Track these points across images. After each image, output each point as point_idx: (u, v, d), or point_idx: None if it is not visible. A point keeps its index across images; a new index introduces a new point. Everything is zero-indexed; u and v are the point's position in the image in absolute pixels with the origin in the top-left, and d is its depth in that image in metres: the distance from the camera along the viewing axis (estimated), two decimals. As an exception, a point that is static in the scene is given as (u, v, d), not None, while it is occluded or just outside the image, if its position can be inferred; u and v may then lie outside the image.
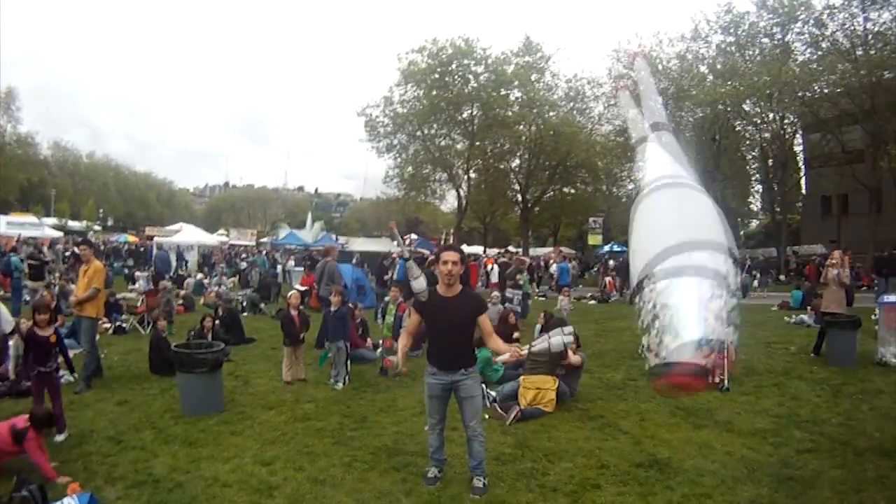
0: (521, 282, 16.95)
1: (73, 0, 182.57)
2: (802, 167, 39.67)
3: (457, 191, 40.16)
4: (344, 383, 8.83)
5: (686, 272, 5.73)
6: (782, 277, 32.18)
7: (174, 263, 27.55)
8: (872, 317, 12.19)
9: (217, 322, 12.09)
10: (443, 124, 38.24)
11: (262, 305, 17.98)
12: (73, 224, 53.21)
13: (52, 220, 46.46)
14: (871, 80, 27.47)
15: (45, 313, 6.73)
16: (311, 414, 7.38)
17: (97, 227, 58.40)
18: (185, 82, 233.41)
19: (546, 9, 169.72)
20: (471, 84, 36.25)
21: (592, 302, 21.16)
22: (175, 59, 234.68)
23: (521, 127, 36.29)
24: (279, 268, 29.25)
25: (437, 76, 35.74)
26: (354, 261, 27.32)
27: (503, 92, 36.34)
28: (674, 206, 7.01)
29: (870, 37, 28.94)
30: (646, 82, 9.07)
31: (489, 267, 25.98)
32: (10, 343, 9.15)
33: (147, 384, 8.80)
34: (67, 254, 27.10)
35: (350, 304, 11.55)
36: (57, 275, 19.33)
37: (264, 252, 33.51)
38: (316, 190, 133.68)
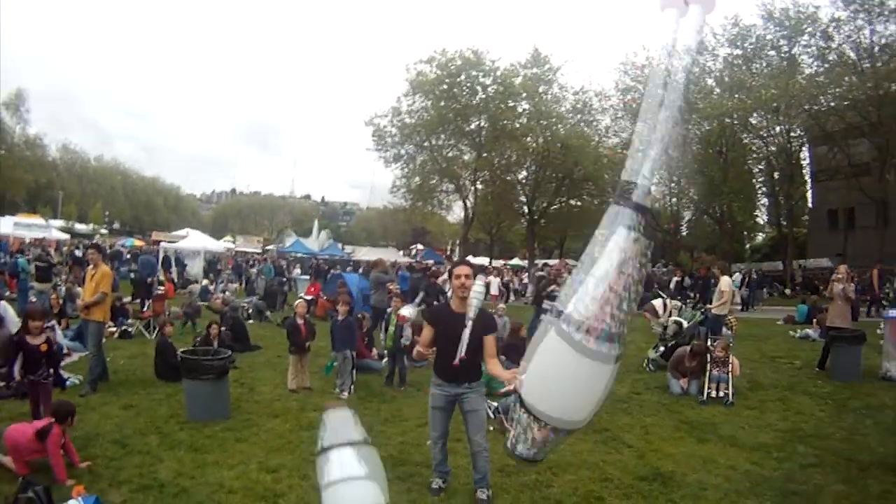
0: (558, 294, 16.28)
1: (85, 2, 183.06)
2: (809, 180, 39.63)
3: (463, 202, 40.20)
4: (349, 392, 8.84)
5: None
6: (788, 291, 32.09)
7: (174, 268, 27.75)
8: (878, 331, 12.18)
9: (223, 329, 12.11)
10: (450, 135, 38.25)
11: (268, 313, 18.00)
12: (80, 227, 53.40)
13: (60, 223, 46.62)
14: (877, 93, 27.43)
15: (38, 320, 6.62)
16: (317, 422, 7.31)
17: (104, 231, 58.51)
18: (194, 89, 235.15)
19: (554, 20, 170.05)
20: (479, 95, 36.32)
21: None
22: (184, 65, 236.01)
23: (529, 139, 36.32)
24: (285, 276, 29.26)
25: (445, 87, 35.80)
26: (361, 270, 27.33)
27: (511, 104, 36.35)
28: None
29: (876, 49, 28.95)
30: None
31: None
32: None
33: (153, 389, 8.82)
34: (75, 253, 27.12)
35: (359, 314, 11.59)
36: (63, 277, 19.40)
37: (269, 260, 33.51)
38: (323, 198, 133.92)
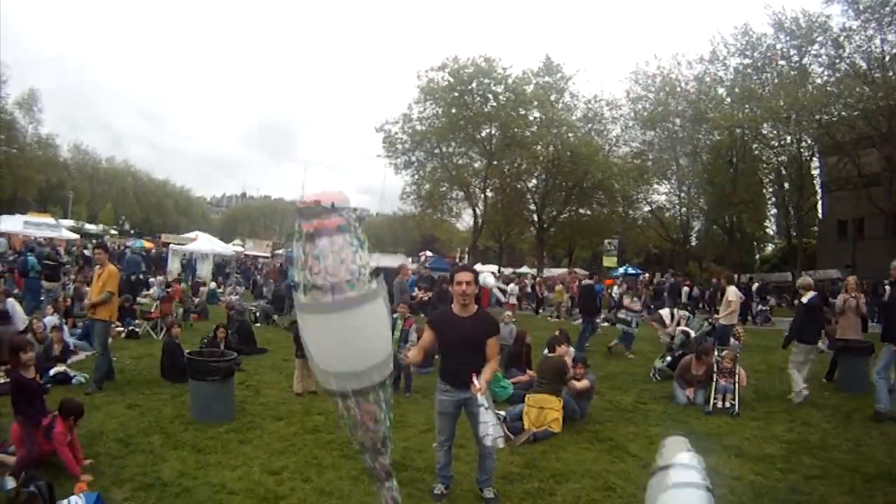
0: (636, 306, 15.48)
1: (101, 3, 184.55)
2: (819, 191, 39.44)
3: (473, 209, 40.23)
4: (353, 396, 8.80)
5: None
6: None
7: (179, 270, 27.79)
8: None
9: (230, 332, 12.11)
10: (461, 143, 38.34)
11: (275, 317, 18.03)
12: (90, 227, 53.53)
13: (69, 223, 46.71)
14: (888, 103, 27.29)
15: (29, 351, 5.87)
16: (321, 426, 7.37)
17: (113, 231, 58.71)
18: (207, 91, 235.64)
19: (567, 29, 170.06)
20: (490, 103, 36.43)
21: (605, 324, 21.02)
22: (197, 67, 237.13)
23: (539, 147, 36.39)
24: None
25: (456, 94, 35.95)
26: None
27: (522, 112, 36.39)
28: None
29: (887, 59, 28.80)
30: None
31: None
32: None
33: (158, 389, 8.85)
34: (84, 253, 27.19)
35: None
36: (72, 276, 19.47)
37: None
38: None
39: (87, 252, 26.82)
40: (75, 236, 38.67)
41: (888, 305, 10.20)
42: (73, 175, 67.01)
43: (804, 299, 10.06)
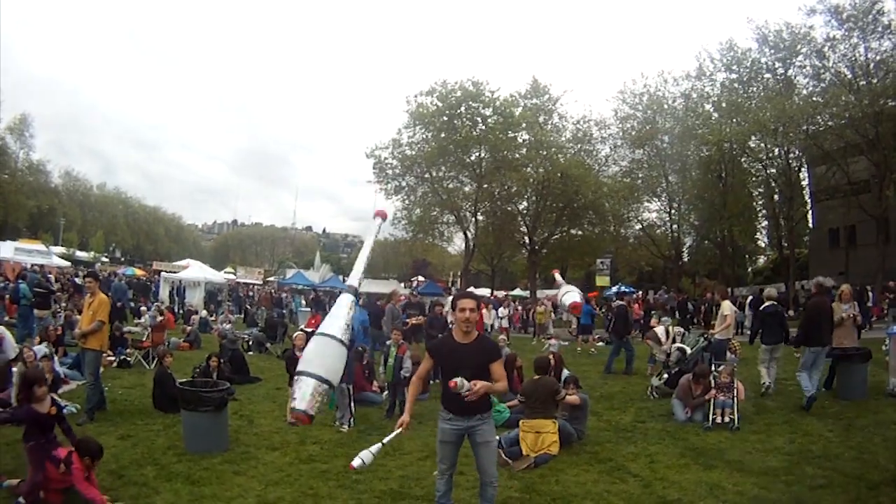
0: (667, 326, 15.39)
1: (92, 30, 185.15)
2: (809, 201, 39.60)
3: (464, 233, 40.12)
4: (349, 426, 8.74)
5: None
6: (791, 312, 31.88)
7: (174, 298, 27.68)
8: (883, 347, 12.09)
9: (222, 360, 12.01)
10: (451, 167, 38.27)
11: (268, 345, 17.93)
12: (81, 254, 53.35)
13: (60, 249, 46.54)
14: (874, 110, 27.44)
15: (43, 385, 5.87)
16: (316, 456, 7.29)
17: (104, 259, 58.49)
18: (198, 120, 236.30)
19: (553, 50, 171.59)
20: (479, 126, 36.42)
21: (600, 343, 20.95)
22: (188, 96, 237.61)
23: (529, 169, 36.37)
24: (286, 308, 29.26)
25: (445, 118, 35.96)
26: (361, 302, 27.25)
27: (511, 134, 36.44)
28: None
29: (871, 66, 29.05)
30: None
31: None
32: (13, 370, 9.11)
33: (150, 420, 8.74)
34: (75, 281, 27.04)
35: (359, 347, 11.50)
36: (63, 304, 19.34)
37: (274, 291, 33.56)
38: (324, 230, 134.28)
39: (77, 280, 26.69)
40: (66, 264, 38.53)
41: (808, 313, 10.55)
42: (64, 201, 66.64)
43: (762, 308, 11.39)
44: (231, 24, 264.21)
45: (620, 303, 17.14)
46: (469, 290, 19.01)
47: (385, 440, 4.79)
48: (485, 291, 41.16)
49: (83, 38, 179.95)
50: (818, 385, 9.99)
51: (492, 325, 23.31)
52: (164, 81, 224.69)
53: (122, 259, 67.50)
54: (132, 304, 23.75)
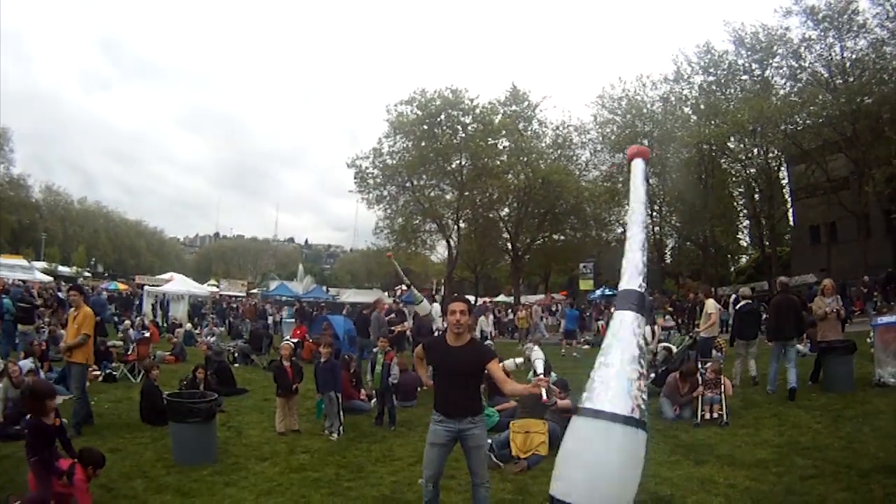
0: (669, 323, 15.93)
1: (73, 44, 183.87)
2: (789, 199, 39.87)
3: (447, 241, 40.15)
4: (339, 434, 8.74)
5: None
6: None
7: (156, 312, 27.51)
8: (868, 340, 12.22)
9: (209, 373, 11.95)
10: (432, 175, 38.32)
11: (254, 357, 17.86)
12: (63, 269, 52.86)
13: (42, 265, 46.12)
14: (851, 108, 27.75)
15: (53, 398, 5.63)
16: (307, 464, 7.28)
17: (87, 274, 58.00)
18: (177, 133, 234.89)
19: (532, 56, 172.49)
20: (459, 134, 36.53)
21: (586, 347, 21.03)
22: (167, 109, 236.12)
23: (510, 176, 36.53)
24: (270, 319, 29.18)
25: (425, 127, 36.01)
26: (345, 311, 27.28)
27: (491, 141, 36.60)
28: None
29: (848, 65, 29.37)
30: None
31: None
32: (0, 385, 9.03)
33: (138, 433, 8.69)
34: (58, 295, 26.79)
35: (346, 356, 11.50)
36: (46, 319, 19.16)
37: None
38: (306, 241, 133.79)
39: (60, 294, 26.46)
40: (49, 279, 38.20)
41: (772, 311, 11.11)
42: (45, 216, 66.15)
43: (738, 306, 12.32)
44: (211, 36, 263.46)
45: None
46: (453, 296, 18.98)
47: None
48: (469, 299, 41.11)
49: (60, 50, 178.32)
50: (799, 376, 10.18)
51: (489, 333, 23.35)
52: (143, 93, 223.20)
53: (105, 274, 66.81)
54: (115, 319, 23.58)
